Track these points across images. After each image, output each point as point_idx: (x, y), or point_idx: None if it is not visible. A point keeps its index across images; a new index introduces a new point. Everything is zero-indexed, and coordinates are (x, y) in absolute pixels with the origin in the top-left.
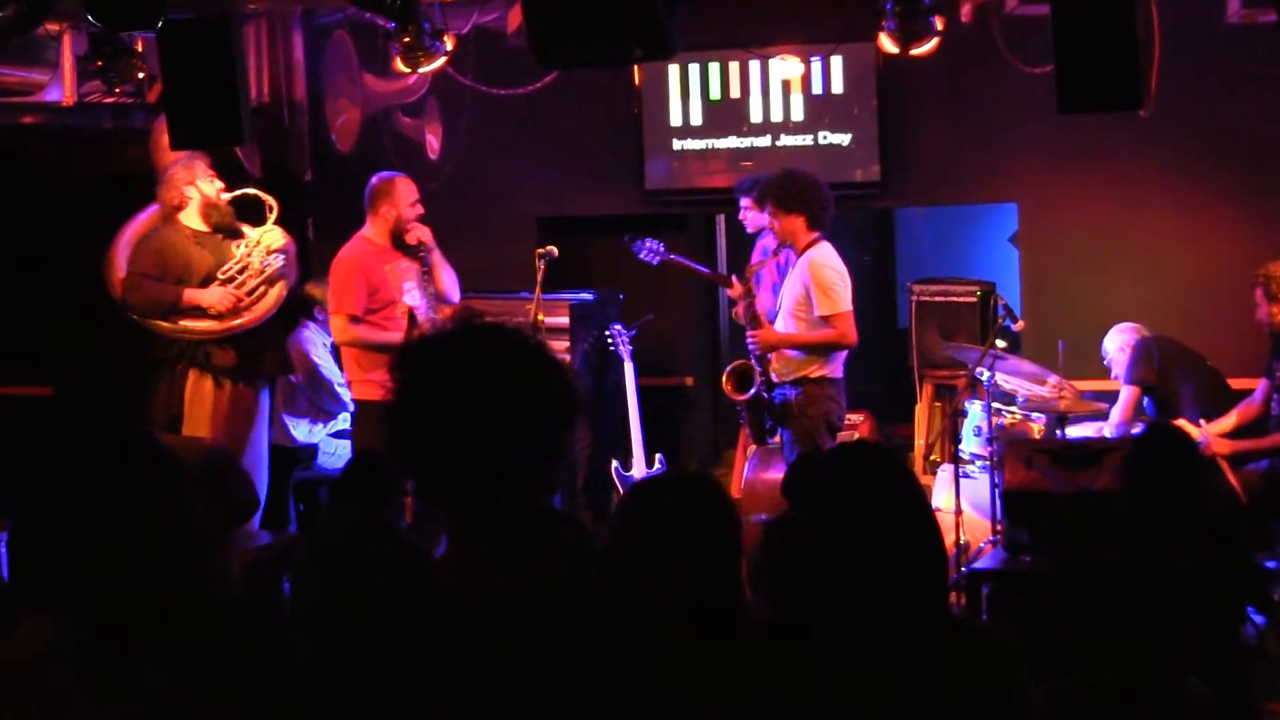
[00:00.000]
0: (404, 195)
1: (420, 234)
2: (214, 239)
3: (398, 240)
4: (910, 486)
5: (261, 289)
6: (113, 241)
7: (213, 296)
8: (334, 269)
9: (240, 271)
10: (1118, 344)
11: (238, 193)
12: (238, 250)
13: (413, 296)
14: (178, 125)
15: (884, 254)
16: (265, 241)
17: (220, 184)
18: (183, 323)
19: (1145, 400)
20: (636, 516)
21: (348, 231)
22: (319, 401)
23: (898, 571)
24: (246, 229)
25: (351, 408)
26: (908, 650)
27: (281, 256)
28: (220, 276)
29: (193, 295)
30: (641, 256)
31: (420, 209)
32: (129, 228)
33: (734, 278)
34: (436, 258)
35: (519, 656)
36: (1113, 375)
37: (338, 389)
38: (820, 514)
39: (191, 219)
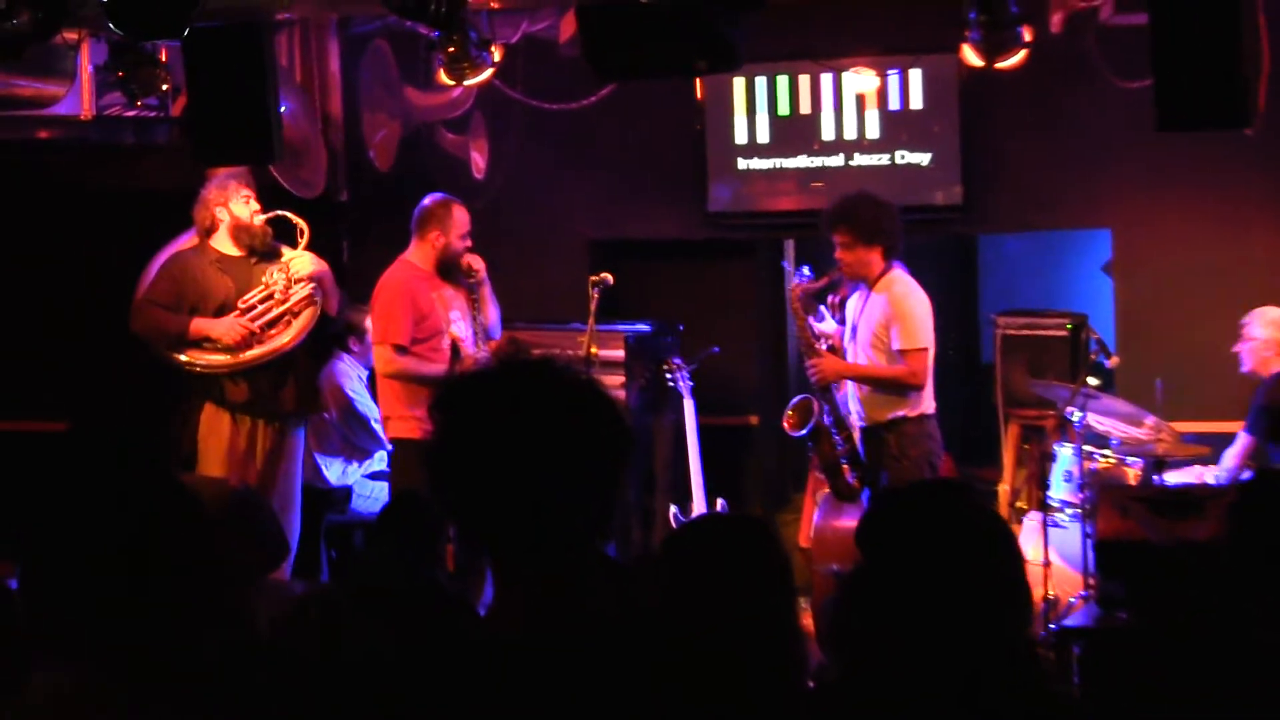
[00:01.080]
0: (457, 224)
1: (474, 262)
2: (244, 264)
3: (443, 267)
4: (1000, 530)
5: (285, 319)
6: (146, 266)
7: (221, 327)
8: (378, 295)
9: (264, 301)
10: (1266, 335)
11: (271, 214)
12: (267, 277)
13: (460, 327)
14: (202, 141)
15: (966, 283)
16: (293, 268)
17: (256, 205)
18: (192, 354)
19: (1271, 448)
20: (675, 565)
21: (385, 255)
22: (354, 439)
23: (986, 631)
24: (287, 251)
25: (389, 447)
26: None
27: (310, 285)
28: (240, 305)
29: (200, 326)
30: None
31: (469, 242)
32: (164, 252)
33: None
34: (486, 291)
35: (568, 716)
36: (1242, 366)
37: (374, 425)
38: (897, 562)
39: (222, 243)
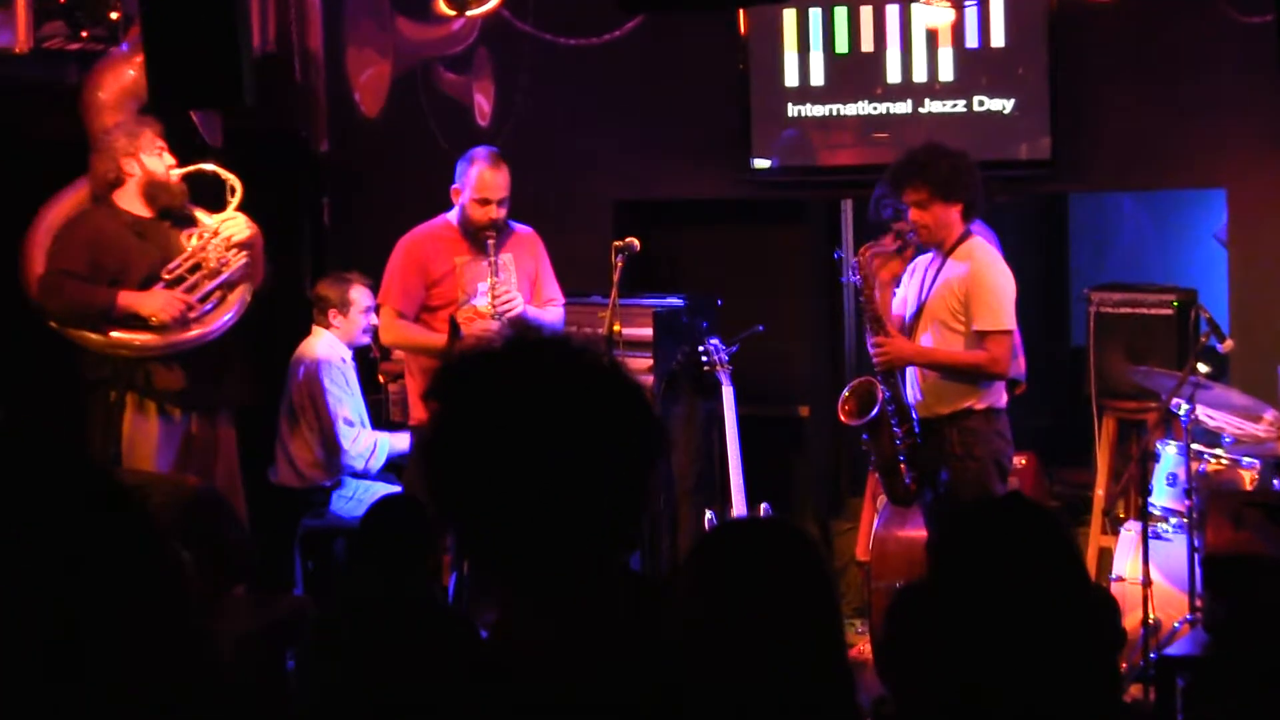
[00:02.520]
0: (475, 184)
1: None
2: (159, 227)
3: (468, 232)
4: (1070, 555)
5: (218, 294)
6: (29, 227)
7: (155, 302)
8: (394, 250)
9: (192, 271)
10: None
11: (190, 168)
12: (189, 243)
13: (482, 301)
14: (160, 81)
15: (1054, 252)
16: (225, 232)
17: (171, 158)
18: (116, 334)
19: None
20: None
21: (371, 216)
22: (314, 441)
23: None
24: (202, 215)
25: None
26: None
27: (244, 253)
28: (165, 277)
29: (129, 300)
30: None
31: (494, 211)
32: (50, 210)
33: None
34: (514, 265)
35: None
36: None
37: (339, 428)
38: (968, 580)
39: (130, 201)
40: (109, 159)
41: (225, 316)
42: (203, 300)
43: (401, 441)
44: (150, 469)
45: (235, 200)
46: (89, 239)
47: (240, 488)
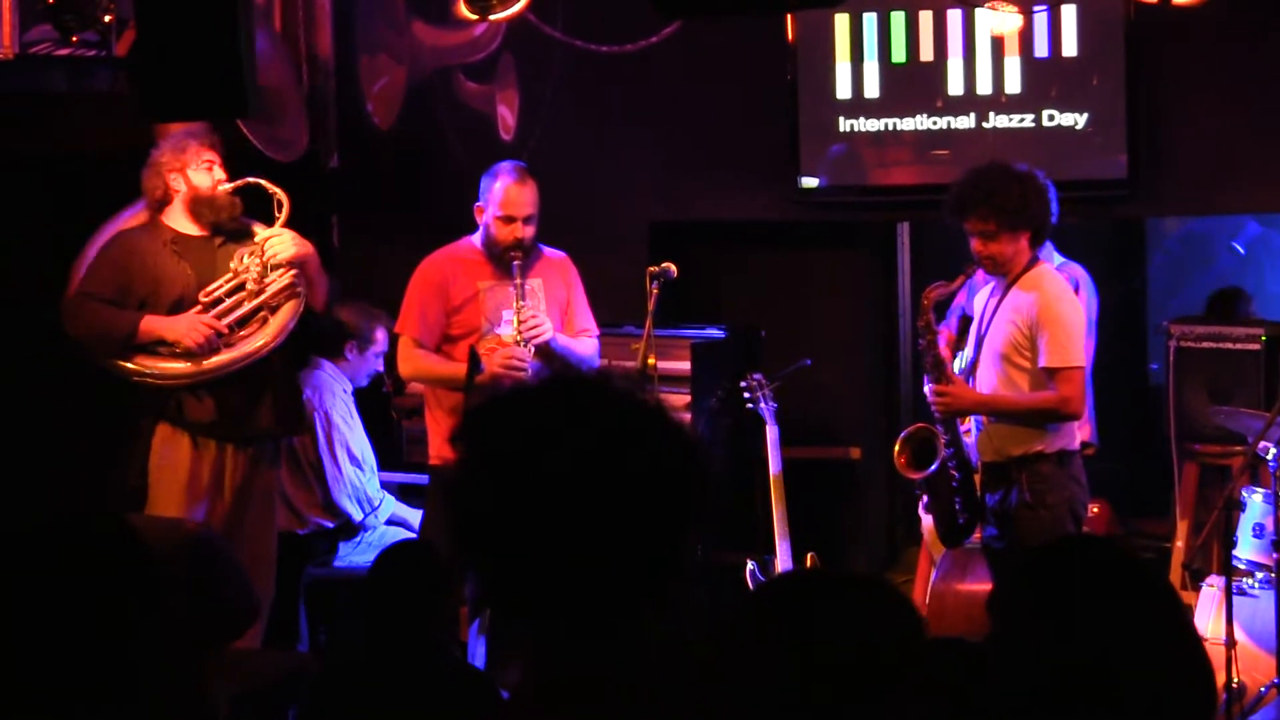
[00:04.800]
0: (498, 201)
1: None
2: (207, 246)
3: (493, 253)
4: (1173, 606)
5: (261, 316)
6: (83, 248)
7: (180, 327)
8: (414, 274)
9: (232, 292)
10: None
11: (238, 182)
12: (236, 263)
13: (508, 330)
14: (154, 88)
15: (1129, 281)
16: (269, 250)
17: (221, 173)
18: (143, 361)
19: None
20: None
21: (385, 237)
22: (314, 481)
23: None
24: (260, 230)
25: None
26: None
27: (291, 272)
28: (202, 299)
29: (153, 324)
30: None
31: (519, 230)
32: (105, 230)
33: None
34: (542, 292)
35: None
36: None
37: (342, 467)
38: (1035, 638)
39: (177, 219)
40: (155, 176)
41: (262, 340)
42: (242, 324)
43: (413, 517)
44: (177, 505)
45: (283, 216)
46: (120, 260)
47: (274, 531)
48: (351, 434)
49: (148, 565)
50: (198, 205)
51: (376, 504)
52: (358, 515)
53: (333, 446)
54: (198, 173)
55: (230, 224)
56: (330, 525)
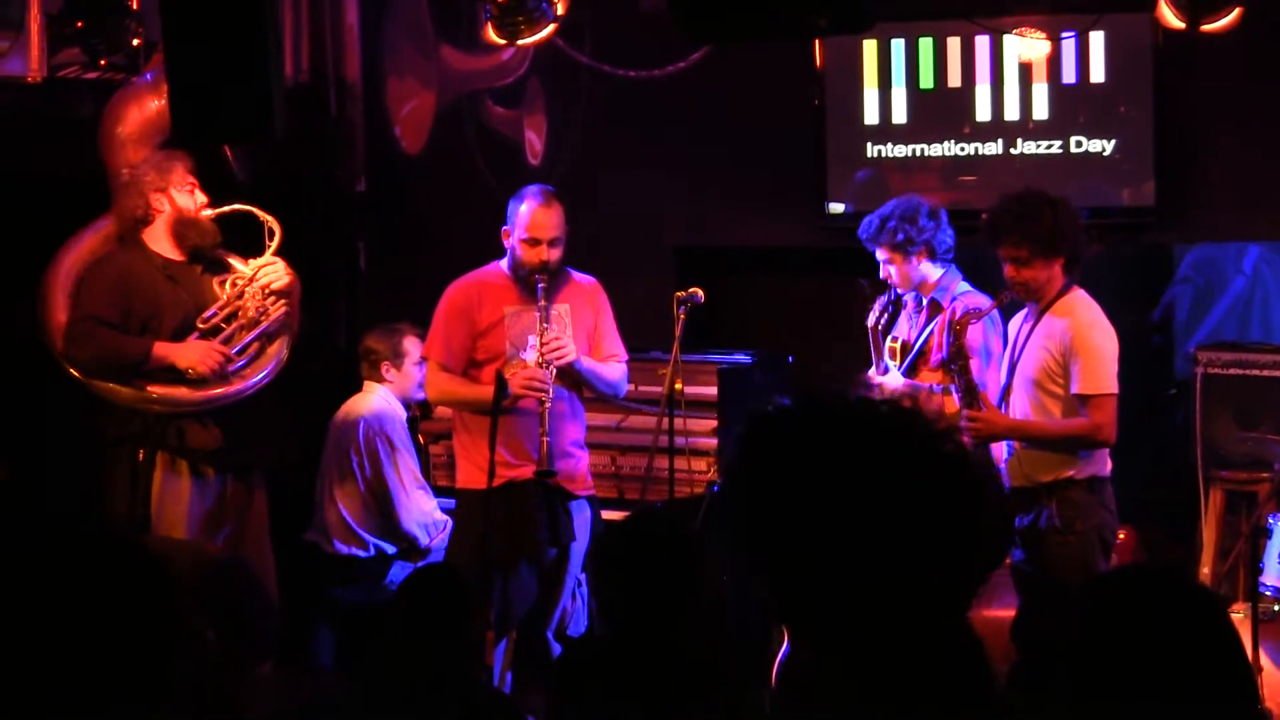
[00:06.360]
0: (524, 224)
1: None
2: (191, 271)
3: (520, 278)
4: (1226, 628)
5: (255, 346)
6: (48, 271)
7: (193, 354)
8: (441, 299)
9: (228, 320)
10: None
11: (225, 209)
12: (224, 290)
13: (532, 355)
14: (184, 113)
15: (1155, 306)
16: (263, 279)
17: (203, 196)
18: (149, 388)
19: None
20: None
21: (412, 262)
22: (373, 504)
23: None
24: (235, 261)
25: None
26: None
27: (283, 302)
28: (200, 326)
29: (164, 350)
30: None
31: (544, 254)
32: (70, 251)
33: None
34: (569, 317)
35: None
36: None
37: (410, 490)
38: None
39: (159, 241)
40: (137, 195)
41: (263, 371)
42: (240, 353)
43: None
44: (181, 533)
45: (274, 244)
46: (118, 282)
47: (271, 554)
48: (411, 456)
49: (171, 588)
50: (182, 227)
51: (442, 526)
52: (424, 540)
53: (399, 471)
54: (181, 194)
55: (210, 251)
56: (393, 550)
